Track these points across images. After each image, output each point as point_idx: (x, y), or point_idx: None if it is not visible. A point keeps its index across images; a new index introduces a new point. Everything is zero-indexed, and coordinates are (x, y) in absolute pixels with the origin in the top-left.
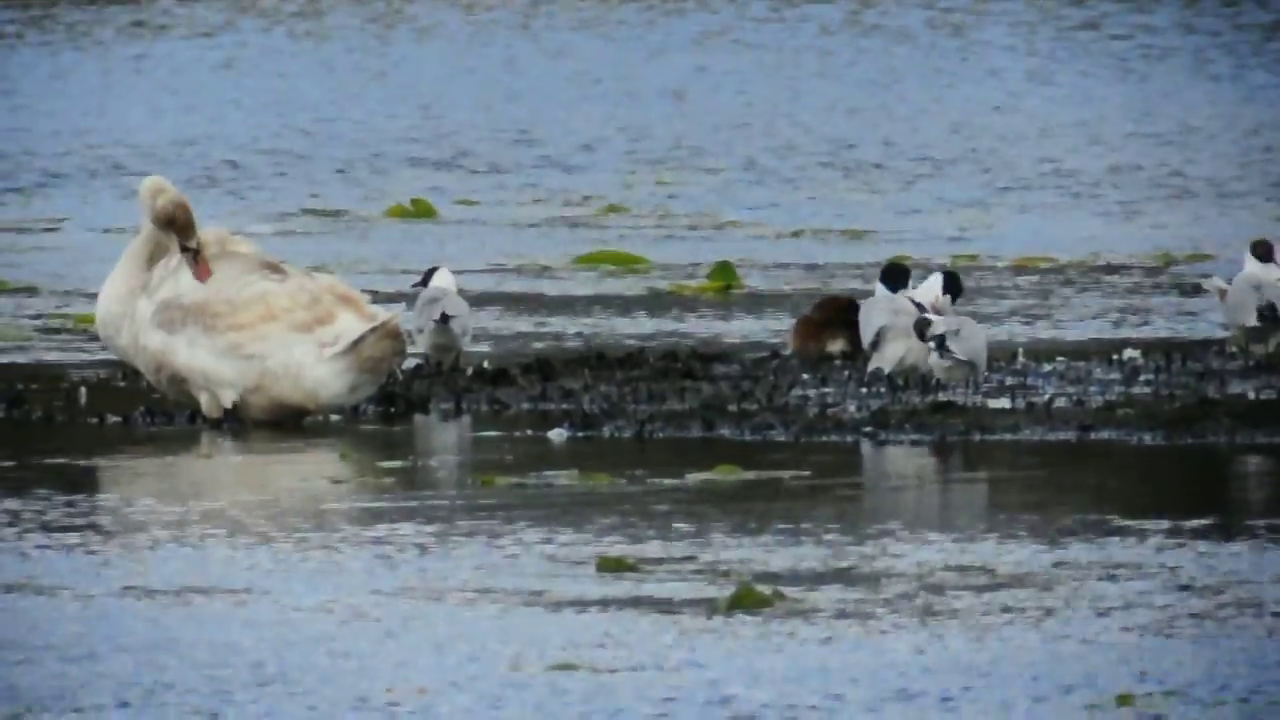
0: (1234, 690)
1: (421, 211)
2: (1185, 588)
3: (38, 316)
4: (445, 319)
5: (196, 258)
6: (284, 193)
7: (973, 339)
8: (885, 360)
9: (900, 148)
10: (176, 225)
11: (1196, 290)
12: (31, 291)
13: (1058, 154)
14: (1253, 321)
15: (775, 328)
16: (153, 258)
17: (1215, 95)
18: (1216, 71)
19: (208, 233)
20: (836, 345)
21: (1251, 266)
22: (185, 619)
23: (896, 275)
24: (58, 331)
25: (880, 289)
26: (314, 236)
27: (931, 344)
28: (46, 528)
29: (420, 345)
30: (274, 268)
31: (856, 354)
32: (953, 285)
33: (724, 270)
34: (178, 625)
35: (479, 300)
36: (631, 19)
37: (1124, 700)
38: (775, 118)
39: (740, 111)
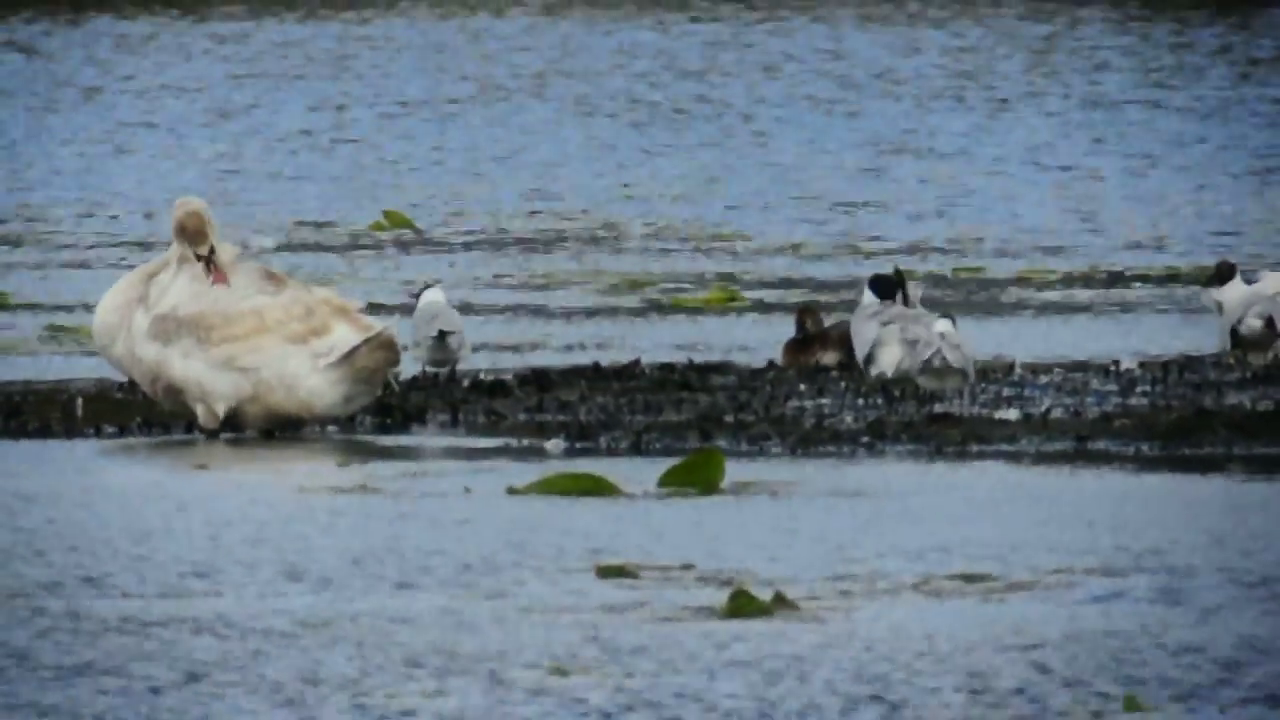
0: (1239, 691)
1: (397, 223)
2: (1180, 591)
3: (36, 329)
4: (443, 335)
5: (209, 265)
6: (274, 208)
7: (962, 347)
8: (884, 365)
9: (906, 163)
10: (186, 233)
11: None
12: (30, 305)
13: (1059, 165)
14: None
15: (780, 335)
16: (159, 275)
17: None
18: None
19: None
20: (829, 358)
21: (1241, 286)
22: (175, 626)
23: (885, 285)
24: (57, 344)
25: (868, 296)
26: (305, 251)
27: (927, 352)
28: (39, 537)
29: (418, 359)
30: (274, 280)
31: (850, 366)
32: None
33: (725, 284)
34: (172, 634)
35: (479, 312)
36: (638, 35)
37: (1130, 705)
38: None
39: (742, 124)
